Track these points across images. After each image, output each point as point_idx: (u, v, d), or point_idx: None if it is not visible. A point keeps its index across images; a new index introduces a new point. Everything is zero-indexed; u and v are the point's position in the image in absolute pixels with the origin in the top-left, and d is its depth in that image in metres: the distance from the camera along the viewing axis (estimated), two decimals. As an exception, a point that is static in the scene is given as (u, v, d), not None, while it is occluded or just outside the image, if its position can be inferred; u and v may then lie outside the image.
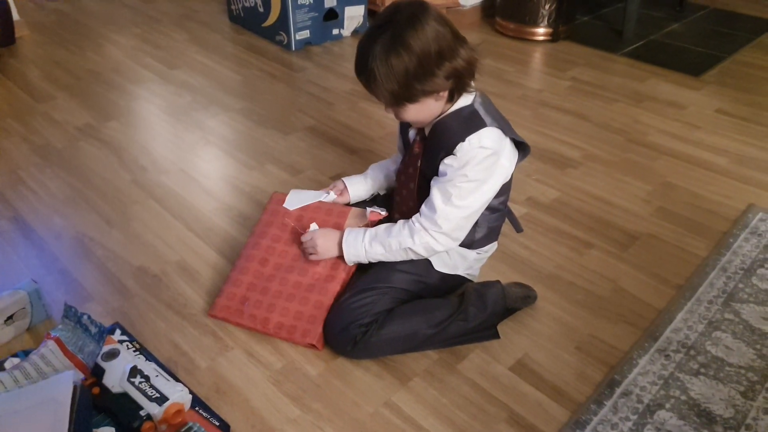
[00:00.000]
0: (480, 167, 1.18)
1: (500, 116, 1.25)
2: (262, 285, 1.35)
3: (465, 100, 1.22)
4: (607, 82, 2.46)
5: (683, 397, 1.19)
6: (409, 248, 1.25)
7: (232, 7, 3.01)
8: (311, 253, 1.33)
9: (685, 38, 2.87)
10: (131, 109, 2.28)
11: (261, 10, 2.80)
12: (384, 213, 1.37)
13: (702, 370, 1.25)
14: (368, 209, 1.38)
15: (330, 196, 1.46)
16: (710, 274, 1.49)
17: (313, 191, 1.48)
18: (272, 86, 2.45)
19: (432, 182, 1.24)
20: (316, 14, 2.75)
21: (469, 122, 1.19)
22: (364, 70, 1.15)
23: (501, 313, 1.33)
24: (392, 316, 1.25)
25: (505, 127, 1.23)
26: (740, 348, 1.30)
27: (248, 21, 2.94)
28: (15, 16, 2.81)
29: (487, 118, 1.20)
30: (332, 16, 2.82)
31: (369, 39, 1.14)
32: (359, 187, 1.50)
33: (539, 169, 1.90)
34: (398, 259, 1.29)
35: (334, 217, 1.41)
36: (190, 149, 2.03)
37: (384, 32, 1.12)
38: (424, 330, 1.25)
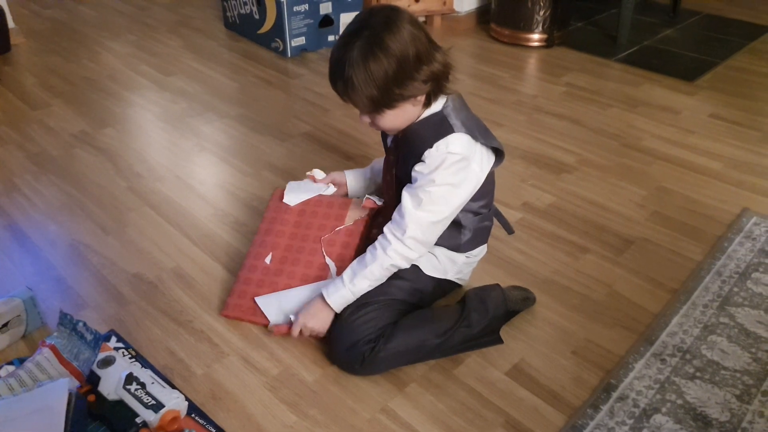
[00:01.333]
0: (448, 172, 1.17)
1: (473, 121, 1.24)
2: (270, 280, 1.36)
3: (436, 106, 1.21)
4: (601, 88, 2.47)
5: (679, 401, 1.19)
6: (391, 264, 1.23)
7: (228, 14, 3.01)
8: (316, 334, 1.28)
9: (679, 44, 2.88)
10: (127, 116, 2.28)
11: (256, 17, 2.81)
12: (380, 202, 1.37)
13: (698, 374, 1.25)
14: (364, 198, 1.38)
15: (330, 189, 1.47)
16: (705, 278, 1.49)
17: (312, 184, 1.49)
18: (268, 93, 2.45)
19: (404, 189, 1.23)
20: (312, 21, 2.76)
21: (437, 128, 1.18)
22: (341, 77, 1.12)
23: (502, 316, 1.33)
24: (398, 329, 1.23)
25: (477, 133, 1.21)
26: (735, 352, 1.30)
27: (243, 28, 2.95)
28: (10, 23, 2.81)
29: (456, 124, 1.18)
30: (328, 22, 2.83)
31: (344, 45, 1.11)
32: (359, 183, 1.49)
33: (534, 174, 1.91)
34: (384, 280, 1.26)
35: (335, 209, 1.41)
36: (185, 156, 2.03)
37: (359, 37, 1.10)
38: (431, 340, 1.24)
